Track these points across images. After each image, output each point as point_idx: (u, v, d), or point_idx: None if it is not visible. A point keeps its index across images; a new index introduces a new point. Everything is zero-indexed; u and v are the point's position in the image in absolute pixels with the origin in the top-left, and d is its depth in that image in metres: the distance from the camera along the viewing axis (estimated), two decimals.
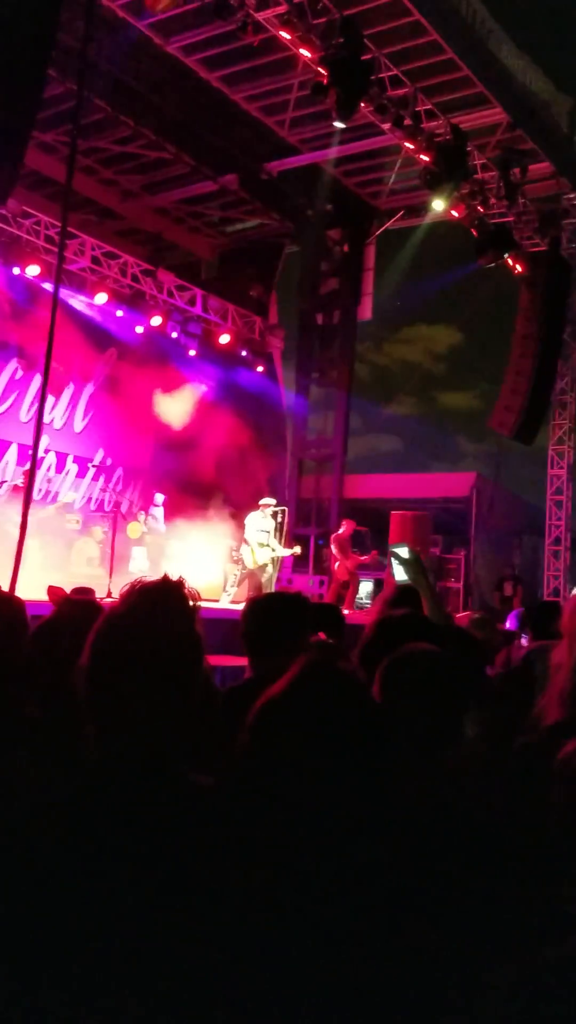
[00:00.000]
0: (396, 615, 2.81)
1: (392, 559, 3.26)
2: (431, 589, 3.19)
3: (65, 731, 1.63)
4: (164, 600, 1.59)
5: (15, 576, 7.05)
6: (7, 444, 13.36)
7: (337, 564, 13.53)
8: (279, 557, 12.74)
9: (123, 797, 1.45)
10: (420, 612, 3.13)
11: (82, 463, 14.56)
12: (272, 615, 3.00)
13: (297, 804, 1.37)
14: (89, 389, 14.78)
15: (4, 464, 13.27)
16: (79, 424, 14.70)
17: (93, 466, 14.47)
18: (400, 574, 3.22)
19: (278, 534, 12.78)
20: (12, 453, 13.40)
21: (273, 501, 12.80)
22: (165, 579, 1.66)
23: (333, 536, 13.84)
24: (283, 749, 1.41)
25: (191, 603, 1.61)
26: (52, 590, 4.88)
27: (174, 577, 1.66)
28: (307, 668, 1.48)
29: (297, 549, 13.07)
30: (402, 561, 3.20)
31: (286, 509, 13.59)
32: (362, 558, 13.69)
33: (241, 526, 12.75)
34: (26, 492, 7.72)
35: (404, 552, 3.21)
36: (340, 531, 13.73)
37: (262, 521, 12.41)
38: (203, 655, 1.60)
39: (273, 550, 12.44)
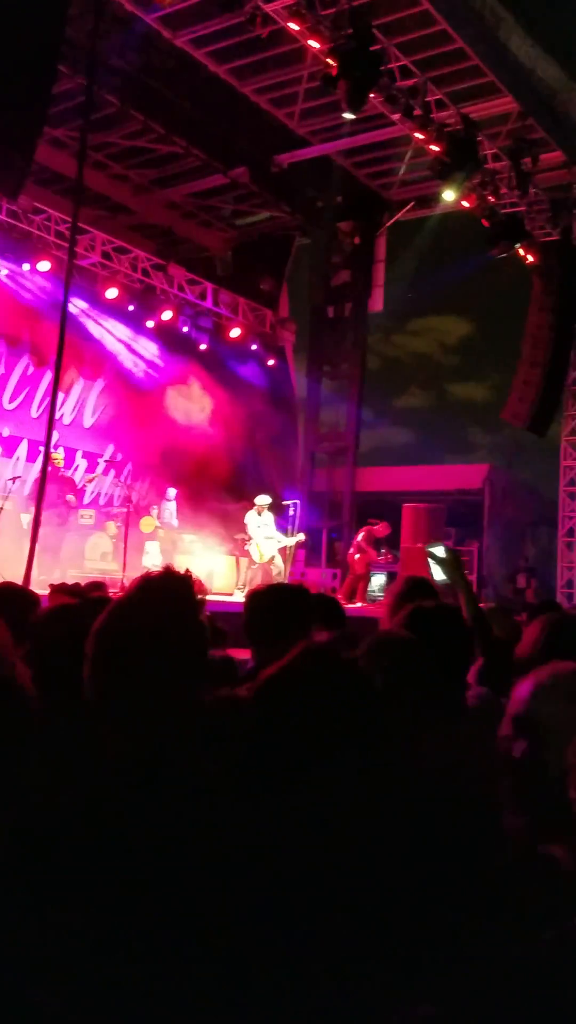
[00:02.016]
0: (428, 607, 2.81)
1: (429, 559, 3.28)
2: (468, 588, 3.21)
3: (73, 722, 1.65)
4: (168, 591, 1.61)
5: (29, 569, 7.09)
6: (18, 440, 13.42)
7: (358, 556, 13.49)
8: (288, 547, 12.83)
9: (131, 787, 1.46)
10: (440, 604, 3.15)
11: (92, 458, 14.61)
12: (272, 606, 3.03)
13: (291, 782, 1.37)
14: (99, 385, 14.82)
15: (15, 460, 13.33)
16: (89, 420, 14.74)
17: (105, 461, 14.51)
18: (438, 573, 3.25)
19: (291, 526, 12.87)
20: (23, 449, 13.46)
21: (268, 499, 12.88)
22: (168, 570, 1.68)
23: (366, 528, 13.71)
24: (277, 728, 1.41)
25: (196, 594, 1.62)
26: (53, 589, 4.92)
27: (181, 570, 1.69)
28: (304, 653, 1.48)
29: (301, 536, 13.12)
30: (439, 561, 3.22)
31: (297, 502, 13.63)
32: (379, 558, 13.67)
33: None
34: (39, 488, 7.75)
35: (441, 551, 3.24)
36: (375, 527, 13.65)
37: (258, 518, 12.57)
38: (207, 645, 1.61)
39: (279, 541, 12.56)
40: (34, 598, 3.39)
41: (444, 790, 1.76)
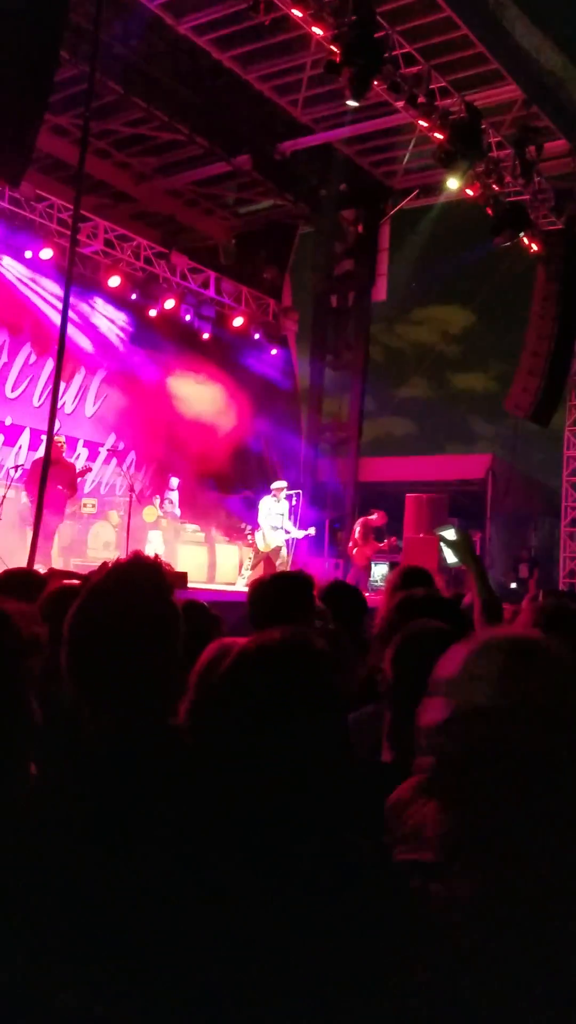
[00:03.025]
0: (417, 595, 2.82)
1: (440, 542, 3.24)
2: (481, 570, 3.17)
3: (59, 710, 1.67)
4: (135, 576, 1.65)
5: (32, 557, 7.10)
6: (20, 429, 13.43)
7: (356, 550, 13.47)
8: (294, 540, 12.77)
9: (117, 768, 1.48)
10: (435, 592, 3.14)
11: (93, 447, 14.60)
12: (275, 595, 3.03)
13: (245, 761, 1.36)
14: (101, 374, 14.80)
15: (18, 448, 13.33)
16: (90, 409, 14.73)
17: (107, 450, 14.50)
18: (450, 556, 3.21)
19: (292, 517, 12.80)
20: (25, 437, 13.46)
21: (285, 484, 12.79)
22: (136, 555, 1.75)
23: (363, 520, 13.58)
24: (233, 711, 1.41)
25: (166, 579, 1.67)
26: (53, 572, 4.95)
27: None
28: (266, 638, 1.46)
29: (311, 530, 13.07)
30: (450, 543, 3.19)
31: (300, 492, 13.59)
32: (380, 544, 13.62)
33: (255, 509, 12.77)
34: (41, 475, 7.75)
35: (451, 534, 3.20)
36: (372, 517, 13.54)
37: (275, 505, 12.43)
38: (180, 627, 1.63)
39: (287, 532, 12.47)
40: (43, 582, 3.41)
41: None
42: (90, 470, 12.11)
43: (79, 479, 10.78)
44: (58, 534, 10.79)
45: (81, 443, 14.50)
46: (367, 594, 12.38)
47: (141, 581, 1.64)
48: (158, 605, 1.63)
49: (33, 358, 13.63)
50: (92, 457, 14.43)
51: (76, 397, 14.49)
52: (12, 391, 13.55)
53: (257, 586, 3.16)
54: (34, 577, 3.62)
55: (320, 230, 16.51)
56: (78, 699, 1.58)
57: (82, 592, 1.65)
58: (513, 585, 16.42)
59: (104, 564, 1.70)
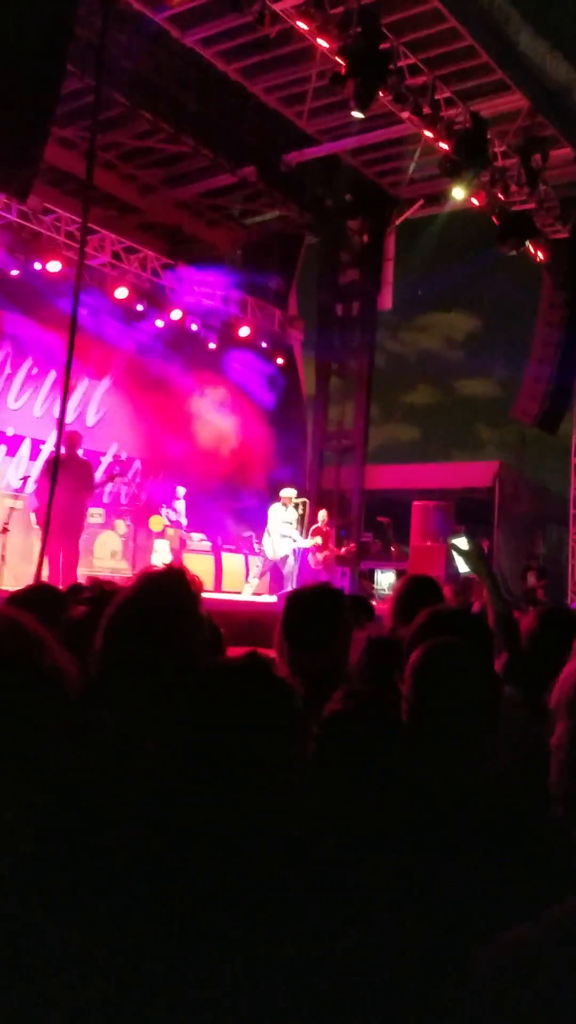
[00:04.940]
0: (445, 610, 2.76)
1: (452, 551, 3.22)
2: (493, 580, 3.14)
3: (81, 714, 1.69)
4: (169, 586, 1.69)
5: (39, 568, 7.13)
6: (20, 439, 13.48)
7: (323, 556, 13.06)
8: (301, 548, 12.76)
9: (139, 774, 1.49)
10: (443, 604, 3.13)
11: (94, 456, 14.62)
12: (313, 609, 2.94)
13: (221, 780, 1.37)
14: (104, 384, 14.85)
15: (17, 460, 13.37)
16: (92, 419, 14.75)
17: (110, 460, 14.50)
18: (462, 566, 3.19)
19: (299, 525, 12.79)
20: (26, 447, 13.52)
21: (294, 492, 12.78)
22: (170, 567, 1.80)
23: (315, 531, 13.21)
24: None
25: (194, 589, 1.68)
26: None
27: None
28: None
29: (318, 540, 13.06)
30: (461, 552, 3.16)
31: (307, 500, 13.58)
32: (340, 551, 13.32)
33: (262, 518, 12.77)
34: (50, 486, 7.78)
35: (463, 543, 3.17)
36: (318, 525, 13.16)
37: (284, 513, 12.41)
38: (206, 637, 1.66)
39: (295, 541, 12.45)
40: (64, 598, 3.32)
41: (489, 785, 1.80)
42: (122, 474, 12.00)
43: (109, 483, 10.60)
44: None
45: (81, 452, 14.51)
46: (373, 602, 12.38)
47: (171, 592, 1.68)
48: (188, 616, 1.67)
49: (35, 370, 13.69)
50: (94, 467, 14.47)
51: (78, 407, 14.52)
52: (15, 401, 13.63)
53: (294, 597, 3.06)
54: (49, 592, 3.51)
55: (326, 240, 16.56)
56: (104, 704, 1.59)
57: (116, 600, 1.69)
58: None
59: (139, 573, 1.77)
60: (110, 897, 1.29)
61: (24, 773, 1.24)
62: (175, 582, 1.71)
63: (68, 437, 10.17)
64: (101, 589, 2.74)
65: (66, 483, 8.29)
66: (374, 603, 12.44)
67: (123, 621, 1.64)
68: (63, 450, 8.69)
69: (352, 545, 13.75)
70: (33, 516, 9.91)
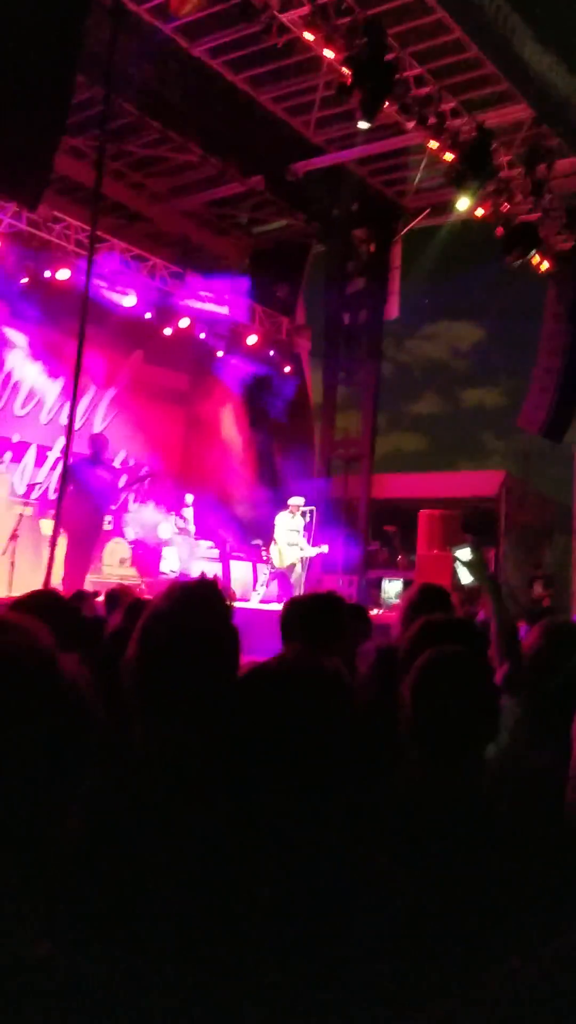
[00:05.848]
0: (439, 620, 2.79)
1: (455, 562, 3.23)
2: (496, 590, 3.14)
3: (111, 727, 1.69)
4: (203, 598, 1.70)
5: (48, 575, 7.15)
6: (26, 446, 13.54)
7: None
8: (308, 556, 12.77)
9: (173, 788, 1.49)
10: (451, 614, 3.14)
11: None
12: (312, 615, 3.00)
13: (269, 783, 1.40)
14: (111, 392, 14.90)
15: (23, 468, 13.42)
16: (99, 425, 14.79)
17: (119, 466, 14.54)
18: (465, 576, 3.19)
19: (306, 533, 12.81)
20: (31, 455, 13.57)
21: (302, 500, 12.81)
22: (203, 578, 1.78)
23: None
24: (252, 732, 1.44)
25: (225, 600, 1.70)
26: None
27: (199, 576, 1.78)
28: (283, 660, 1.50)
29: (324, 548, 13.07)
30: (465, 563, 3.17)
31: (314, 509, 13.60)
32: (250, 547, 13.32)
33: (269, 526, 12.79)
34: (59, 494, 7.82)
35: (466, 554, 3.18)
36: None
37: (291, 521, 12.44)
38: (239, 649, 1.67)
39: (302, 549, 12.47)
40: (74, 606, 3.30)
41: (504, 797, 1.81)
42: (149, 476, 12.01)
43: (134, 484, 10.57)
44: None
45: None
46: (380, 611, 12.41)
47: (205, 603, 1.69)
48: (221, 628, 1.68)
49: (43, 377, 13.75)
50: None
51: (84, 413, 14.57)
52: (21, 408, 13.69)
53: (292, 603, 3.12)
54: (54, 599, 3.49)
55: (333, 249, 16.62)
56: (139, 715, 1.60)
57: (149, 611, 1.69)
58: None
59: (170, 584, 1.76)
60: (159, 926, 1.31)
61: (47, 795, 1.17)
62: (209, 593, 1.71)
63: (93, 440, 10.26)
64: (135, 600, 2.75)
65: (95, 486, 8.36)
66: (381, 611, 12.52)
67: (159, 633, 1.63)
68: (89, 452, 8.72)
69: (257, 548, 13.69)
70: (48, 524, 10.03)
